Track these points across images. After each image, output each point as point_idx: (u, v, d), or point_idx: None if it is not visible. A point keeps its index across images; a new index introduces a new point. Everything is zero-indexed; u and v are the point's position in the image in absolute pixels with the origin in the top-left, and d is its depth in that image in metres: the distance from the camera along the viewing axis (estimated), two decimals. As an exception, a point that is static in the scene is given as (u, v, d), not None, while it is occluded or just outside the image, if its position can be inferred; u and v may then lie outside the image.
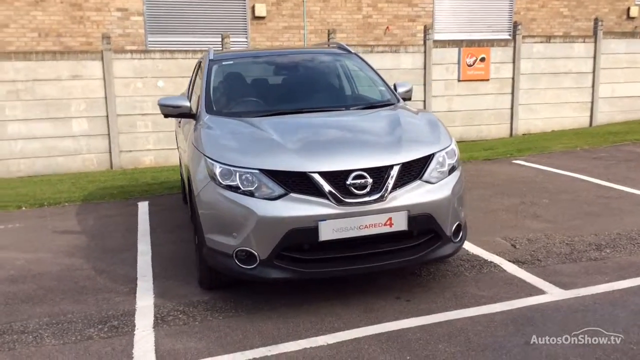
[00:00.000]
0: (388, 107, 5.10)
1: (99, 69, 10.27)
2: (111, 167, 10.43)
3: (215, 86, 5.31)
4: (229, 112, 5.01)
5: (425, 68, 11.98)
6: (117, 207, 7.33)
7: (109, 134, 10.40)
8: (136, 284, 4.74)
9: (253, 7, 12.70)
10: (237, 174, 4.00)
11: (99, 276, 4.98)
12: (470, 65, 12.30)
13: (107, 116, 10.37)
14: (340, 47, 6.14)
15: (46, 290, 4.69)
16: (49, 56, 10.15)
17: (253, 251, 3.92)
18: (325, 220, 3.86)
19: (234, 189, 3.98)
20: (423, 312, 4.02)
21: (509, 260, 4.92)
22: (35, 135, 10.10)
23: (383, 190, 3.95)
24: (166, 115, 5.18)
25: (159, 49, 11.30)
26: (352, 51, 5.95)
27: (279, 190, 3.92)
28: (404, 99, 5.55)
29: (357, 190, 3.92)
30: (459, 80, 12.25)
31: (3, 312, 4.32)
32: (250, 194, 3.94)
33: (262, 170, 3.97)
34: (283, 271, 3.94)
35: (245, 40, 12.76)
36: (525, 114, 12.67)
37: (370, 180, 3.93)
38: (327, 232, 3.87)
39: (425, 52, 11.95)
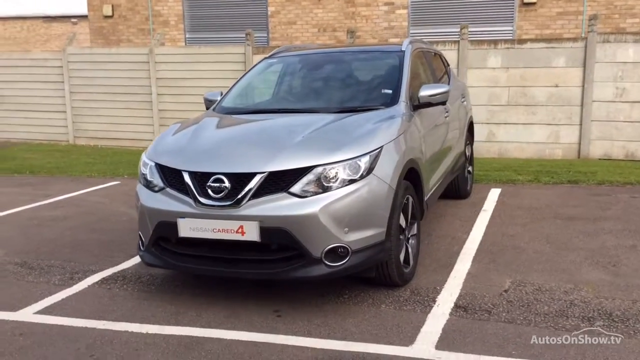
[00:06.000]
0: (364, 112, 4.66)
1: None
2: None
3: (246, 82, 5.64)
4: (227, 108, 5.31)
5: None
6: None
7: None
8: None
9: (522, -7, 11.69)
10: (148, 165, 4.42)
11: (132, 240, 5.88)
12: None
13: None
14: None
15: (95, 243, 5.84)
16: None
17: (142, 236, 4.33)
18: (183, 217, 3.99)
19: (143, 178, 4.42)
20: (264, 330, 3.80)
21: (456, 304, 4.06)
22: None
23: (238, 197, 3.86)
24: (207, 108, 5.76)
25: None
26: (403, 49, 5.41)
27: (160, 184, 4.21)
28: (430, 104, 4.92)
29: (214, 193, 3.92)
30: None
31: (45, 252, 5.59)
32: (147, 185, 4.34)
33: (156, 164, 4.32)
34: (156, 258, 4.23)
35: (510, 29, 11.86)
36: None
37: (227, 185, 3.88)
38: (185, 230, 4.00)
39: None
